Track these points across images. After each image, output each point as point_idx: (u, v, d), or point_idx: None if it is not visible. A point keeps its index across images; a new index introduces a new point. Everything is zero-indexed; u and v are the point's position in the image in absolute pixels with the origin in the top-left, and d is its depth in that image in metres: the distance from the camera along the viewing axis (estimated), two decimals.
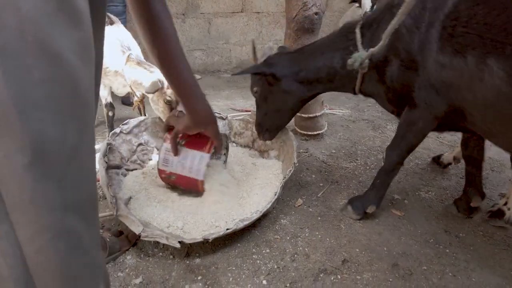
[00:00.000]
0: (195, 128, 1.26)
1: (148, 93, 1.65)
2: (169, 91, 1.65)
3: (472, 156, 1.52)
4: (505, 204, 1.50)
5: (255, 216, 1.29)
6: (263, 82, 1.54)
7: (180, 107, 1.54)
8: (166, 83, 1.64)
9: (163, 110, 1.71)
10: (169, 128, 1.41)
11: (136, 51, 1.89)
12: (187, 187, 1.49)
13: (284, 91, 1.52)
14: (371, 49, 1.23)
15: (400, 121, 1.39)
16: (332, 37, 1.48)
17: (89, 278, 0.59)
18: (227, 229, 1.21)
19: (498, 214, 1.50)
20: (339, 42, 1.42)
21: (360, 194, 1.56)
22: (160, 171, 1.47)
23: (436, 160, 1.97)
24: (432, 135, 2.40)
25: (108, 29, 1.91)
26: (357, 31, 1.35)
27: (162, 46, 1.01)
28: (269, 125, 1.65)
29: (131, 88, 1.79)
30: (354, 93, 1.49)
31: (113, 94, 2.07)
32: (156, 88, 1.63)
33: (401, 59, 1.24)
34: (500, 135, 1.16)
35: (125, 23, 2.91)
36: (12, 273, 0.51)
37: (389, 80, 1.32)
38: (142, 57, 1.86)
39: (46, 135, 0.47)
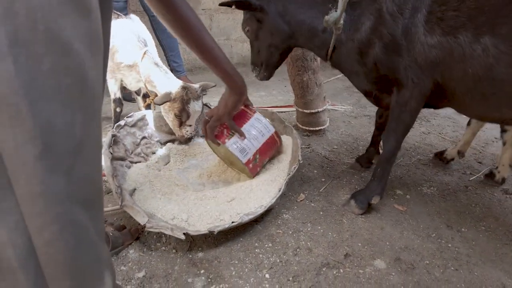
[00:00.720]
0: (241, 98, 1.42)
1: (157, 104, 1.66)
2: (177, 106, 1.67)
3: (383, 124, 1.70)
4: (496, 168, 1.78)
5: (260, 211, 1.29)
6: (253, 19, 1.58)
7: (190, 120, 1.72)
8: (175, 94, 1.66)
9: (172, 121, 1.74)
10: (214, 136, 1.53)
11: (151, 46, 1.88)
12: (272, 150, 1.64)
13: (272, 26, 1.54)
14: (339, 9, 1.28)
15: (392, 105, 1.41)
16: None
17: (96, 269, 0.59)
18: (232, 223, 1.21)
19: (491, 176, 1.78)
20: (325, 6, 1.43)
21: (361, 189, 1.56)
22: (251, 167, 1.54)
23: (439, 156, 1.97)
24: (434, 131, 2.40)
25: (123, 23, 1.90)
26: (340, 3, 1.35)
27: (195, 36, 1.16)
28: (263, 62, 1.67)
29: (145, 85, 1.78)
30: (325, 60, 1.53)
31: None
32: (166, 101, 1.65)
33: (385, 42, 1.30)
34: (478, 105, 1.29)
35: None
36: (22, 264, 0.51)
37: (372, 61, 1.36)
38: (156, 54, 1.84)
39: (55, 126, 0.47)
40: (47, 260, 0.52)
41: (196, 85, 1.74)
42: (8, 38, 0.41)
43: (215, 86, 1.85)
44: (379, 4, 1.30)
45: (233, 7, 1.54)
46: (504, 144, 1.75)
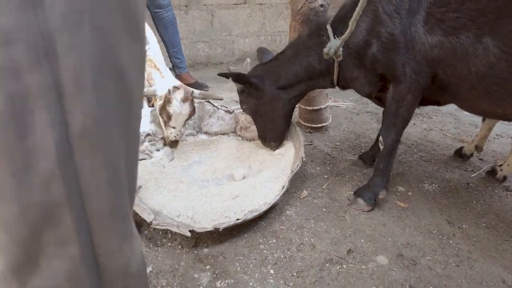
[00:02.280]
0: None
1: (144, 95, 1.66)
2: (159, 103, 1.65)
3: None
4: (500, 165, 1.80)
5: (264, 207, 1.31)
6: (249, 98, 1.67)
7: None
8: (161, 96, 1.64)
9: (160, 119, 1.73)
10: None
11: (154, 47, 1.86)
12: None
13: (270, 99, 1.64)
14: (343, 36, 1.34)
15: (388, 100, 1.44)
16: (303, 38, 1.58)
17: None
18: (237, 219, 1.23)
19: (492, 173, 1.81)
20: (311, 40, 1.54)
21: (364, 185, 1.58)
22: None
23: (459, 153, 1.99)
24: (435, 127, 2.41)
25: None
26: (328, 27, 1.47)
27: None
28: (271, 135, 1.74)
29: (149, 83, 1.78)
30: (333, 86, 1.59)
31: None
32: (145, 95, 1.65)
33: (383, 41, 1.33)
34: (482, 102, 1.32)
35: None
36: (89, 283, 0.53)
37: (370, 61, 1.40)
38: (160, 54, 1.83)
39: (118, 151, 0.51)
40: (109, 270, 0.55)
41: (196, 90, 1.71)
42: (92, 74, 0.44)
43: (222, 99, 1.85)
44: (374, 5, 1.33)
45: (230, 79, 1.63)
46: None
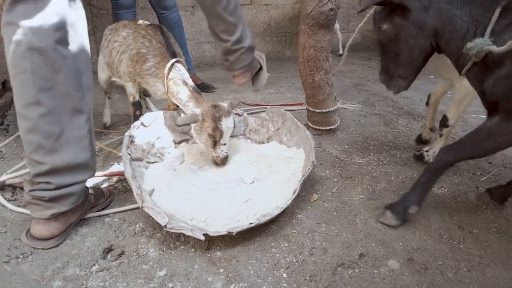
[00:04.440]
0: None
1: (178, 125, 1.65)
2: (209, 124, 1.64)
3: None
4: (427, 151, 1.95)
5: (276, 211, 1.32)
6: (391, 16, 1.36)
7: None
8: (205, 114, 1.64)
9: (205, 142, 1.71)
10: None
11: (181, 54, 1.87)
12: None
13: (417, 23, 1.33)
14: (494, 46, 1.14)
15: (481, 126, 1.26)
16: (475, 1, 1.27)
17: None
18: (250, 223, 1.24)
19: (420, 157, 1.95)
20: (478, 8, 1.24)
21: (397, 200, 1.48)
22: None
23: (420, 140, 2.20)
24: None
25: (148, 30, 1.87)
26: (497, 11, 1.19)
27: None
28: (402, 70, 1.46)
29: (168, 96, 1.78)
30: (459, 74, 1.35)
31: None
32: (189, 122, 1.63)
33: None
34: None
35: (134, 15, 2.92)
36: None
37: (491, 83, 1.21)
38: (185, 68, 1.83)
39: None
40: None
41: (224, 103, 1.73)
42: None
43: (238, 104, 1.87)
44: None
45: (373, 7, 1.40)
46: (440, 136, 1.95)
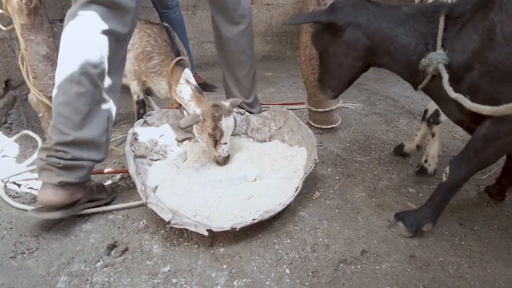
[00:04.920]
0: None
1: (181, 128, 1.66)
2: (209, 124, 1.65)
3: None
4: (426, 161, 1.79)
5: (279, 208, 1.33)
6: (325, 31, 1.37)
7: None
8: (205, 113, 1.66)
9: (207, 142, 1.73)
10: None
11: (184, 53, 1.89)
12: None
13: (348, 42, 1.33)
14: (449, 59, 1.13)
15: (476, 134, 1.22)
16: (418, 11, 1.25)
17: None
18: (253, 220, 1.26)
19: (422, 171, 1.79)
20: (421, 21, 1.23)
21: (409, 210, 1.46)
22: None
23: (400, 151, 2.01)
24: (444, 129, 2.42)
25: (153, 29, 1.90)
26: (441, 21, 1.17)
27: None
28: (331, 83, 1.49)
29: (171, 95, 1.79)
30: (415, 89, 1.33)
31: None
32: (192, 124, 1.64)
33: (490, 69, 1.09)
34: None
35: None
36: None
37: (466, 88, 1.16)
38: (188, 67, 1.84)
39: None
40: None
41: (226, 103, 1.74)
42: None
43: (241, 103, 1.89)
44: (491, 22, 1.07)
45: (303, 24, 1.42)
46: (432, 136, 1.77)
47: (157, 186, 1.47)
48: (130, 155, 1.44)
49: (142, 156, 1.60)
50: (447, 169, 1.31)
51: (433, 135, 1.77)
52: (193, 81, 1.78)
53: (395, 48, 1.26)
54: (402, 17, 1.25)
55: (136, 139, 1.60)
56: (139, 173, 1.39)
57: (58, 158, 1.28)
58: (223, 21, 1.90)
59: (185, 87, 1.73)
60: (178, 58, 1.77)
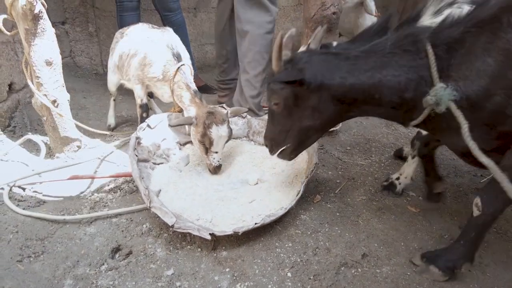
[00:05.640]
0: None
1: (170, 126, 1.69)
2: (200, 130, 1.63)
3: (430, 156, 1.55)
4: (397, 179, 1.71)
5: (281, 212, 1.35)
6: (288, 92, 1.23)
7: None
8: (199, 119, 1.65)
9: (199, 148, 1.72)
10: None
11: (186, 59, 1.90)
12: None
13: (316, 107, 1.22)
14: (461, 91, 1.02)
15: (508, 162, 1.09)
16: (394, 45, 1.13)
17: None
18: (255, 224, 1.27)
19: (390, 187, 1.70)
20: (404, 56, 1.11)
21: (440, 249, 1.32)
22: None
23: (399, 154, 2.02)
24: None
25: (156, 34, 1.92)
26: (430, 50, 1.07)
27: None
28: (294, 144, 1.37)
29: (173, 99, 1.81)
30: (405, 125, 1.23)
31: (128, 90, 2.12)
32: (180, 124, 1.66)
33: None
34: None
35: (139, 18, 2.95)
36: None
37: (489, 116, 1.05)
38: (189, 71, 1.86)
39: None
40: None
41: (225, 110, 1.71)
42: None
43: (247, 111, 1.91)
44: (504, 41, 0.98)
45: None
46: (413, 157, 1.66)
47: (160, 190, 1.49)
48: (133, 159, 1.46)
49: (145, 160, 1.61)
50: (478, 201, 1.15)
51: (413, 156, 1.65)
52: (193, 86, 1.80)
53: (381, 94, 1.15)
54: (379, 60, 1.13)
55: (139, 143, 1.62)
56: (142, 177, 1.41)
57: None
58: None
59: (185, 93, 1.75)
60: (180, 63, 1.78)
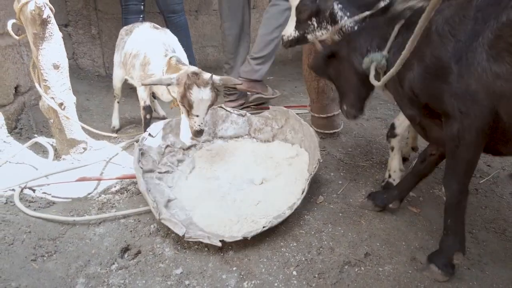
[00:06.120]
0: None
1: (143, 84, 1.72)
2: (180, 91, 1.60)
3: (422, 172, 1.54)
4: (389, 176, 1.78)
5: (288, 213, 1.39)
6: (324, 58, 1.52)
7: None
8: (179, 78, 1.62)
9: (181, 108, 1.71)
10: None
11: (180, 54, 1.92)
12: None
13: (348, 58, 1.47)
14: (384, 62, 1.28)
15: (446, 140, 1.21)
16: (382, 20, 1.41)
17: None
18: (263, 227, 1.31)
19: (388, 186, 1.76)
20: (382, 29, 1.38)
21: (436, 250, 1.34)
22: None
23: None
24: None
25: (157, 35, 1.96)
26: (396, 29, 1.32)
27: None
28: (347, 98, 1.55)
29: (168, 90, 1.83)
30: (381, 88, 1.45)
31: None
32: (154, 83, 1.66)
33: (427, 65, 1.16)
34: None
35: (142, 21, 2.99)
36: None
37: (407, 86, 1.24)
38: (183, 55, 1.88)
39: None
40: None
41: (211, 75, 1.64)
42: None
43: (241, 84, 1.94)
44: (429, 23, 1.11)
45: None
46: (392, 149, 1.76)
47: (168, 200, 1.52)
48: (139, 172, 1.48)
49: (151, 171, 1.64)
50: (442, 188, 1.27)
51: (392, 149, 1.75)
52: (186, 64, 1.79)
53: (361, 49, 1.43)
54: (375, 26, 1.43)
55: (143, 154, 1.64)
56: (149, 190, 1.44)
57: None
58: None
59: (169, 65, 1.75)
60: (171, 55, 1.81)
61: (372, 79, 1.30)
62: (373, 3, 1.50)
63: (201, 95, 1.59)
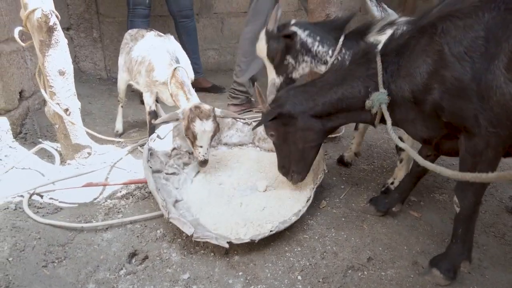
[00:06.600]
0: None
1: (155, 124, 1.77)
2: (184, 124, 1.68)
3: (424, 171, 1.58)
4: (392, 183, 1.81)
5: (294, 218, 1.42)
6: (278, 123, 1.50)
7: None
8: (185, 113, 1.70)
9: (187, 140, 1.78)
10: None
11: (184, 63, 1.95)
12: None
13: (303, 128, 1.48)
14: (408, 87, 1.24)
15: (461, 154, 1.25)
16: (348, 65, 1.42)
17: None
18: (270, 231, 1.34)
19: (387, 191, 1.78)
20: (359, 70, 1.37)
21: (441, 253, 1.37)
22: None
23: (342, 160, 2.08)
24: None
25: (159, 41, 1.99)
26: (378, 59, 1.31)
27: None
28: (297, 167, 1.59)
29: (173, 99, 1.88)
30: (374, 126, 1.45)
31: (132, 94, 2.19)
32: (165, 121, 1.72)
33: (448, 87, 1.17)
34: None
35: (147, 25, 3.02)
36: None
37: (430, 107, 1.23)
38: (186, 72, 1.91)
39: None
40: None
41: (213, 108, 1.73)
42: None
43: (244, 120, 1.99)
44: (438, 45, 1.16)
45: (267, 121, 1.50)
46: (400, 161, 1.79)
47: (176, 200, 1.54)
48: (148, 171, 1.51)
49: (159, 171, 1.67)
50: (455, 198, 1.30)
51: (401, 160, 1.79)
52: (188, 85, 1.84)
53: (347, 103, 1.40)
54: (339, 76, 1.41)
55: (152, 154, 1.67)
56: (158, 189, 1.47)
57: None
58: None
59: (180, 91, 1.81)
60: (176, 65, 1.84)
61: (389, 130, 1.27)
62: (342, 27, 1.64)
63: (204, 127, 1.68)
